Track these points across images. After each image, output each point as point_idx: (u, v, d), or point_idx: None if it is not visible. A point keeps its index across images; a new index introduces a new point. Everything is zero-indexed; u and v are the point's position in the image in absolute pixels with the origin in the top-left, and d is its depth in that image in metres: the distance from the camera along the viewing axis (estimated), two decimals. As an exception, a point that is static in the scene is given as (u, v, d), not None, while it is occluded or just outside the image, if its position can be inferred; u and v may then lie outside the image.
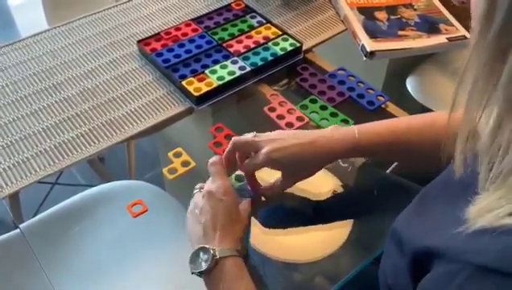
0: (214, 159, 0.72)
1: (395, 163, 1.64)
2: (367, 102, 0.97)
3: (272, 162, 0.70)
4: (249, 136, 0.72)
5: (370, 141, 0.73)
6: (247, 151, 0.73)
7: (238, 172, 0.78)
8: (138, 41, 1.04)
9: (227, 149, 0.73)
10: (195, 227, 0.67)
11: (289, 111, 0.94)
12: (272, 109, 0.95)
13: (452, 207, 0.48)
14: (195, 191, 0.72)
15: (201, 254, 0.63)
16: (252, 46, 1.03)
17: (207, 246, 0.63)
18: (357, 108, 0.98)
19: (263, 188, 0.75)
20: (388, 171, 1.57)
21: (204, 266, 0.61)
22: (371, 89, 1.00)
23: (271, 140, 0.70)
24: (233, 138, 0.73)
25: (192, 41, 1.05)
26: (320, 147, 0.71)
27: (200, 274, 0.62)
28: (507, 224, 0.41)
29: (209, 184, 0.70)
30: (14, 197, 1.22)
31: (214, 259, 0.61)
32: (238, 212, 0.68)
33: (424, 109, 1.22)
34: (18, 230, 0.87)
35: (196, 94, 0.92)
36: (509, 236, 0.40)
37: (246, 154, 0.73)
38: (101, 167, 1.52)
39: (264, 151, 0.69)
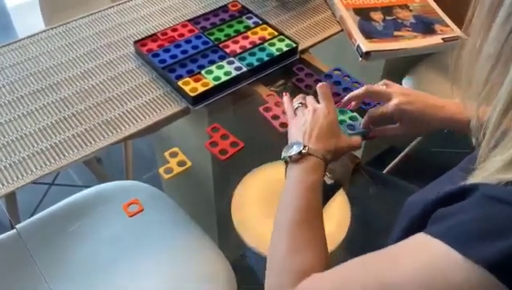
0: (323, 83, 0.80)
1: (392, 164, 1.64)
2: (362, 102, 0.97)
3: (399, 113, 0.79)
4: (380, 84, 0.82)
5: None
6: (376, 99, 0.85)
7: (354, 114, 0.88)
8: (135, 42, 1.05)
9: (356, 92, 0.83)
10: (297, 132, 0.75)
11: (284, 111, 0.95)
12: (267, 110, 0.95)
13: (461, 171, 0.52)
14: (296, 105, 0.81)
15: (295, 145, 0.71)
16: (248, 46, 1.04)
17: (301, 141, 0.72)
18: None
19: (377, 130, 0.84)
20: (384, 171, 1.57)
21: (293, 152, 0.70)
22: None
23: (402, 94, 0.80)
24: (365, 86, 0.82)
25: (188, 42, 1.05)
26: (444, 110, 0.78)
27: (288, 158, 0.70)
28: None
29: (315, 103, 0.79)
30: (10, 198, 1.23)
31: (302, 153, 0.70)
32: (337, 130, 0.77)
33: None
34: (14, 231, 0.87)
35: (192, 94, 0.93)
36: None
37: (371, 100, 0.85)
38: (98, 167, 1.52)
39: (395, 102, 0.79)
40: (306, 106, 0.80)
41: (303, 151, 0.70)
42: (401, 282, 0.47)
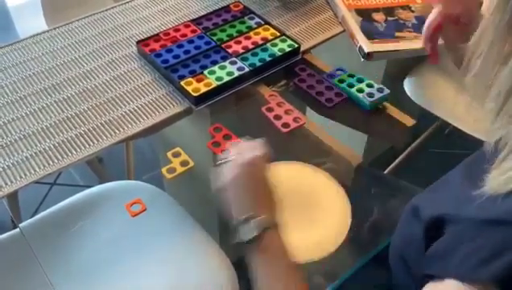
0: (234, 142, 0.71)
1: (393, 164, 1.64)
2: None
3: None
4: None
5: None
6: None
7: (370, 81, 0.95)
8: (138, 42, 1.05)
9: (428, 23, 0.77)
10: (237, 198, 0.65)
11: (286, 112, 0.95)
12: (270, 110, 0.95)
13: (469, 182, 0.52)
14: (227, 159, 0.69)
15: (251, 222, 0.62)
16: (250, 47, 1.04)
17: (253, 215, 0.62)
18: (354, 108, 0.98)
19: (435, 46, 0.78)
20: (385, 171, 1.57)
21: (254, 233, 0.61)
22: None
23: None
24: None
25: (190, 42, 1.05)
26: None
27: (248, 241, 0.61)
28: None
29: (244, 155, 0.68)
30: (13, 197, 1.23)
31: (263, 228, 0.61)
32: (270, 184, 0.67)
33: (422, 111, 1.23)
34: (17, 230, 0.87)
35: (194, 94, 0.93)
36: None
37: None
38: (100, 167, 1.53)
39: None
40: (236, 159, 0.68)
41: (266, 226, 0.61)
42: None
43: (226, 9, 1.14)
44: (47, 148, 0.86)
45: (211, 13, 1.13)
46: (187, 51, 1.03)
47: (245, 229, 0.62)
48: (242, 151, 0.69)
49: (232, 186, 0.66)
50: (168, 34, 1.07)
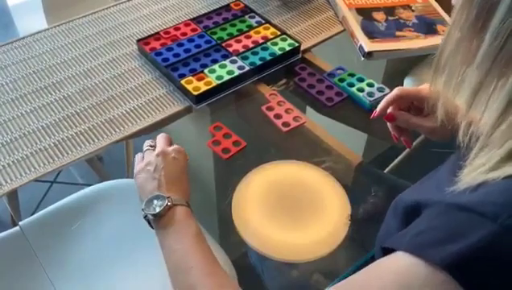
0: (161, 134, 0.77)
1: (393, 164, 1.64)
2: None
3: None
4: None
5: None
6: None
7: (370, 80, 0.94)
8: (138, 40, 1.05)
9: (387, 98, 0.77)
10: (149, 182, 0.69)
11: (287, 111, 0.95)
12: (270, 109, 0.95)
13: (449, 173, 0.52)
14: (145, 148, 0.75)
15: (155, 200, 0.66)
16: (251, 46, 1.04)
17: (162, 194, 0.66)
18: (354, 107, 0.98)
19: (400, 113, 0.77)
20: (386, 171, 1.57)
21: (157, 209, 0.65)
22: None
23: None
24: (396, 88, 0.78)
25: (191, 41, 1.05)
26: None
27: (153, 217, 0.65)
28: (487, 178, 0.46)
29: (165, 145, 0.74)
30: (12, 195, 1.23)
31: (167, 205, 0.65)
32: (186, 174, 0.73)
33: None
34: (17, 228, 0.87)
35: (194, 93, 0.93)
36: (486, 188, 0.46)
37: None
38: (100, 166, 1.53)
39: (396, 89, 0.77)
40: (154, 149, 0.74)
41: (169, 203, 0.65)
42: None
43: (227, 8, 1.14)
44: (47, 146, 0.86)
45: (211, 12, 1.13)
46: (187, 50, 1.03)
47: (150, 205, 0.66)
48: (162, 143, 0.74)
49: (145, 171, 0.71)
50: (168, 32, 1.07)
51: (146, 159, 0.72)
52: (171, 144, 0.76)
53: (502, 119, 0.46)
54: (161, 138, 0.75)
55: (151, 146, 0.75)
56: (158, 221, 0.65)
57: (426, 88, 0.75)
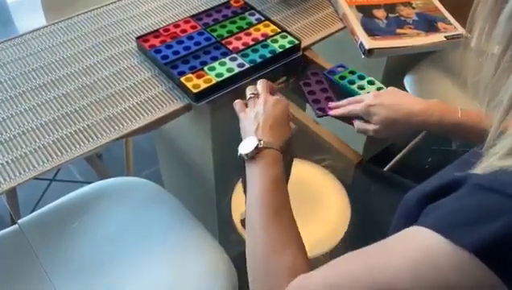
0: (262, 79, 0.83)
1: (393, 162, 1.64)
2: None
3: (368, 114, 0.84)
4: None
5: (471, 123, 0.79)
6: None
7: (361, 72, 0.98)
8: (137, 37, 1.04)
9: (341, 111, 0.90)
10: (250, 126, 0.75)
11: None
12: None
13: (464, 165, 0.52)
14: (248, 96, 0.81)
15: (250, 141, 0.71)
16: (251, 43, 1.04)
17: (256, 137, 0.72)
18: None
19: (360, 127, 0.87)
20: (385, 169, 1.57)
21: (249, 148, 0.70)
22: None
23: (376, 95, 0.85)
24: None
25: (190, 38, 1.05)
26: (415, 118, 0.81)
27: (246, 156, 0.70)
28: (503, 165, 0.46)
29: (266, 93, 0.80)
30: (11, 193, 1.23)
31: (259, 147, 0.70)
32: (288, 119, 0.78)
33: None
34: (16, 226, 0.87)
35: (194, 91, 0.92)
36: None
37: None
38: (99, 163, 1.53)
39: (366, 102, 0.84)
40: (257, 97, 0.80)
41: (260, 145, 0.70)
42: (392, 274, 0.48)
43: (226, 5, 1.14)
44: (46, 144, 0.86)
45: (211, 9, 1.13)
46: (187, 48, 1.02)
47: (244, 146, 0.71)
48: (264, 90, 0.80)
49: (249, 116, 0.77)
50: (168, 30, 1.07)
51: (250, 106, 0.80)
52: (272, 90, 0.82)
53: None
54: (262, 84, 0.82)
55: (253, 94, 0.80)
56: (249, 161, 0.70)
57: (369, 95, 0.85)
